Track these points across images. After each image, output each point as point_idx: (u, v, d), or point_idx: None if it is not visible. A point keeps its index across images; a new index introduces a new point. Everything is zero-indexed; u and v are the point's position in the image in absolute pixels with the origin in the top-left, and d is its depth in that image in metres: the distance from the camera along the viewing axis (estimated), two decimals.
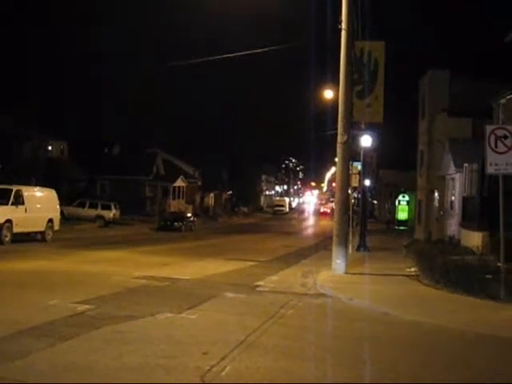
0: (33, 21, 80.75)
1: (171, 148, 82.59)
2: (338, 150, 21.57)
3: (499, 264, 16.69)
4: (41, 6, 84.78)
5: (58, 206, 34.50)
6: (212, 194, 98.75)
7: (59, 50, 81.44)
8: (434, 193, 45.43)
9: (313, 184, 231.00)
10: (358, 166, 38.13)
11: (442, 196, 42.55)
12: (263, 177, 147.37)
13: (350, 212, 29.25)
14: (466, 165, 33.53)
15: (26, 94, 65.19)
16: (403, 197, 65.92)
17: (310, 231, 65.57)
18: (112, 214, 53.30)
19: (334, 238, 21.48)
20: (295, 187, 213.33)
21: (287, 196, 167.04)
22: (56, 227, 33.67)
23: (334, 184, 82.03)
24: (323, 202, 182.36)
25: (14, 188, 30.43)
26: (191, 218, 59.68)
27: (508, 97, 32.36)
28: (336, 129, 21.97)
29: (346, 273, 21.10)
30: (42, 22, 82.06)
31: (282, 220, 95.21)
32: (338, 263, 21.17)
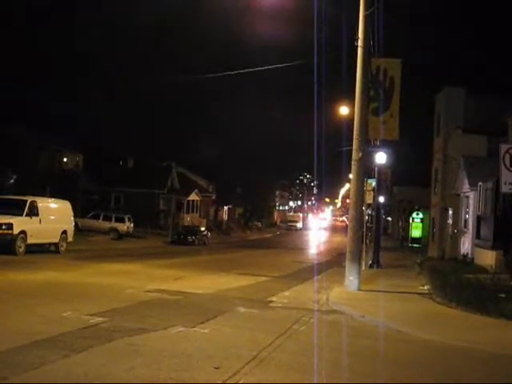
0: (49, 28, 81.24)
1: (186, 162, 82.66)
2: (353, 166, 21.57)
3: None
4: (63, 12, 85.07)
5: (72, 218, 34.60)
6: (226, 209, 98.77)
7: (73, 59, 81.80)
8: (448, 210, 45.31)
9: (327, 200, 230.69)
10: (373, 182, 38.05)
11: (456, 214, 42.43)
12: (277, 192, 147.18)
13: (364, 229, 29.22)
14: (480, 183, 33.46)
15: (41, 103, 65.57)
16: (417, 214, 65.74)
17: (323, 247, 65.39)
18: (126, 226, 53.42)
19: (348, 255, 21.46)
20: (309, 203, 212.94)
21: (301, 212, 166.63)
22: (70, 239, 33.77)
23: (348, 200, 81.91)
24: (337, 218, 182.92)
25: (29, 199, 30.55)
26: (205, 232, 59.70)
27: None
28: (351, 145, 21.98)
29: (359, 290, 21.05)
30: (57, 30, 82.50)
31: (296, 235, 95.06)
32: (351, 280, 21.13)
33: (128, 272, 24.47)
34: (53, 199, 34.67)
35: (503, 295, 17.33)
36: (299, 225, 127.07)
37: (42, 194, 39.01)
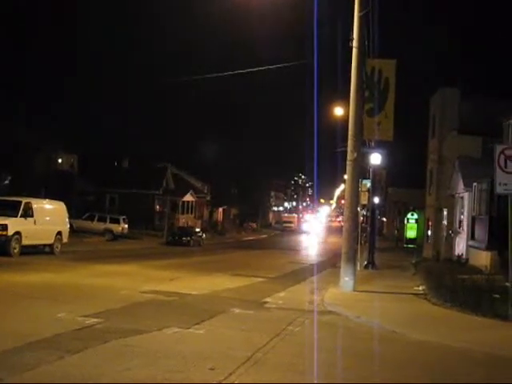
0: (47, 31, 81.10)
1: (181, 162, 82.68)
2: (348, 167, 21.59)
3: (507, 284, 16.65)
4: (63, 13, 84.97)
5: (67, 219, 34.51)
6: (221, 209, 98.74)
7: (72, 61, 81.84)
8: (442, 211, 45.34)
9: (322, 201, 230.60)
10: (368, 183, 38.07)
11: (450, 215, 42.48)
12: (272, 193, 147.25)
13: (359, 229, 29.22)
14: (475, 184, 33.51)
15: (36, 103, 65.50)
16: (412, 215, 65.77)
17: (317, 248, 65.36)
18: (120, 227, 53.25)
19: (343, 256, 21.46)
20: (304, 204, 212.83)
21: (296, 212, 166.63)
22: (65, 240, 33.68)
23: (343, 201, 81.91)
24: (333, 218, 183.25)
25: (24, 200, 30.46)
26: (200, 233, 59.60)
27: None
28: (346, 146, 21.99)
29: (354, 290, 21.06)
30: (55, 32, 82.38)
31: (291, 236, 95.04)
32: (346, 281, 21.14)
33: (123, 273, 24.42)
34: (48, 200, 34.54)
35: (498, 296, 17.33)
36: (294, 225, 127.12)
37: (37, 195, 38.89)
